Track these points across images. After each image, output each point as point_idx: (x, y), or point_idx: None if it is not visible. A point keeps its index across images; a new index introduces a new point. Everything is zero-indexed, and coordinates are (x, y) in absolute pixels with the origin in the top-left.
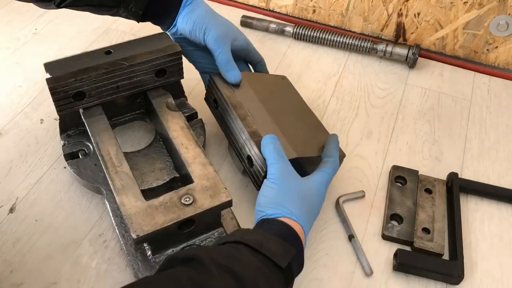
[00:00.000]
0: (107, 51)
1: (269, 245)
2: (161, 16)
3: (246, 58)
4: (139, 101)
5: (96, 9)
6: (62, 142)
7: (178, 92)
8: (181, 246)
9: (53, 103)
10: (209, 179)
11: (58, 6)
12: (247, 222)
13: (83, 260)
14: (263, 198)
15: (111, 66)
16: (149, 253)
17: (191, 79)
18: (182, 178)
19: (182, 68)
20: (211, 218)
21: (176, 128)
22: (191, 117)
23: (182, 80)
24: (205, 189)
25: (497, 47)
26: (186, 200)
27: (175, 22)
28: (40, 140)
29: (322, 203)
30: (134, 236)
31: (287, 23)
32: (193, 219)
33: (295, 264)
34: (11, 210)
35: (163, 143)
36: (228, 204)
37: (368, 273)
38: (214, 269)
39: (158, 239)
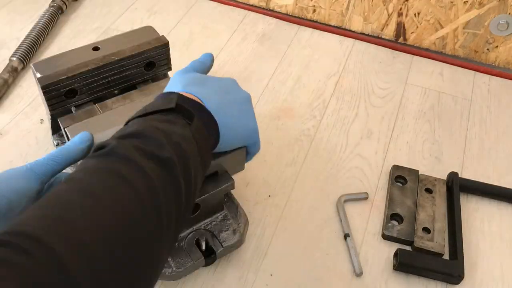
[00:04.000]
0: (94, 47)
1: (151, 105)
2: None
3: None
4: None
5: None
6: (55, 142)
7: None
8: (188, 231)
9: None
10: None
11: None
12: (248, 216)
13: None
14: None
15: (101, 62)
16: None
17: None
18: None
19: (170, 60)
20: (215, 202)
21: None
22: None
23: None
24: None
25: (497, 46)
26: None
27: None
28: (40, 140)
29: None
30: None
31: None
32: (199, 203)
33: (190, 106)
34: None
35: None
36: (231, 186)
37: (358, 272)
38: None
39: None
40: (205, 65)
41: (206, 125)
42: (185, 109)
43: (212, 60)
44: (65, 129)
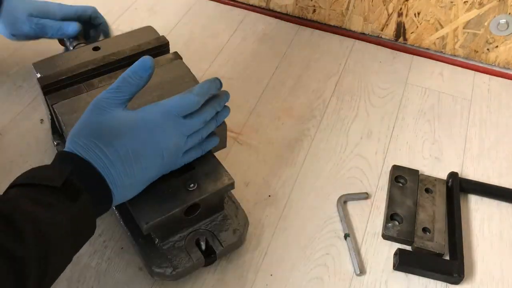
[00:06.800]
0: (94, 47)
1: (40, 172)
2: None
3: None
4: None
5: None
6: (55, 142)
7: None
8: (188, 231)
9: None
10: (209, 164)
11: None
12: (248, 216)
13: (83, 260)
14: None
15: (101, 62)
16: (157, 241)
17: None
18: (181, 167)
19: None
20: (215, 202)
21: None
22: None
23: None
24: (207, 174)
25: (497, 46)
26: (190, 186)
27: None
28: (40, 140)
29: (156, 140)
30: (143, 224)
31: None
32: (199, 203)
33: (82, 182)
34: None
35: None
36: (231, 186)
37: (358, 272)
38: None
39: (166, 226)
40: (138, 80)
41: (96, 201)
42: (73, 187)
43: (151, 67)
44: (53, 106)
